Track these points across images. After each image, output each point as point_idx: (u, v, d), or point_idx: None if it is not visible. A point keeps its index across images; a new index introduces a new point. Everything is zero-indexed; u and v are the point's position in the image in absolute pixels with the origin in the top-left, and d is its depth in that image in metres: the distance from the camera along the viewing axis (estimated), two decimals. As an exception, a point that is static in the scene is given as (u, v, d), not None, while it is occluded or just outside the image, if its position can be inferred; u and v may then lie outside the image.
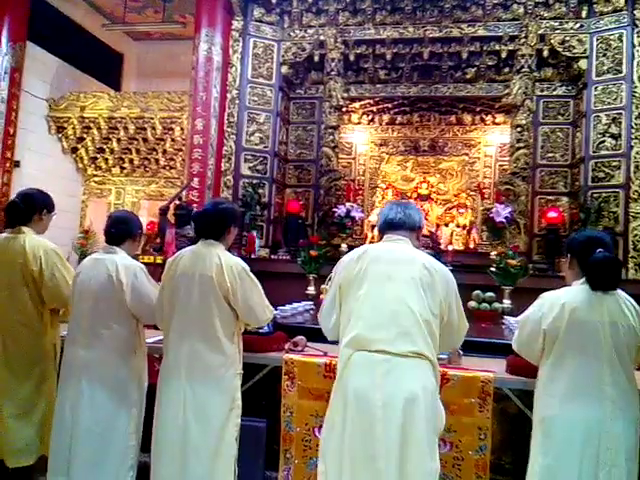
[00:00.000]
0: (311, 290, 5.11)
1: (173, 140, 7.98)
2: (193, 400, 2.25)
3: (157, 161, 8.35)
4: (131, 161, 8.46)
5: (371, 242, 7.20)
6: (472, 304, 4.31)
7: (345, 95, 6.70)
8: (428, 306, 1.97)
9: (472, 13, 6.13)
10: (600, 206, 5.42)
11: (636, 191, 5.36)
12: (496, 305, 4.28)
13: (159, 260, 5.18)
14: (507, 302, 4.48)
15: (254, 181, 6.49)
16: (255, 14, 6.54)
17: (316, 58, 6.63)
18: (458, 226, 7.00)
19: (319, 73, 6.83)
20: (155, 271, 3.12)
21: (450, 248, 6.24)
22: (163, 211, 5.30)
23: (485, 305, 4.26)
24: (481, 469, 2.62)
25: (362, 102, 7.18)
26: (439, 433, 1.99)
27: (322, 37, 6.51)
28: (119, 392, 2.46)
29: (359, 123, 7.58)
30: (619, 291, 2.14)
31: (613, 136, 5.56)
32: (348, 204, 6.37)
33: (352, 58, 6.59)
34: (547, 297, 2.19)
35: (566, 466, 2.07)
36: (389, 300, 1.97)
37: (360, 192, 7.53)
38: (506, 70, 6.23)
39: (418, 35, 6.27)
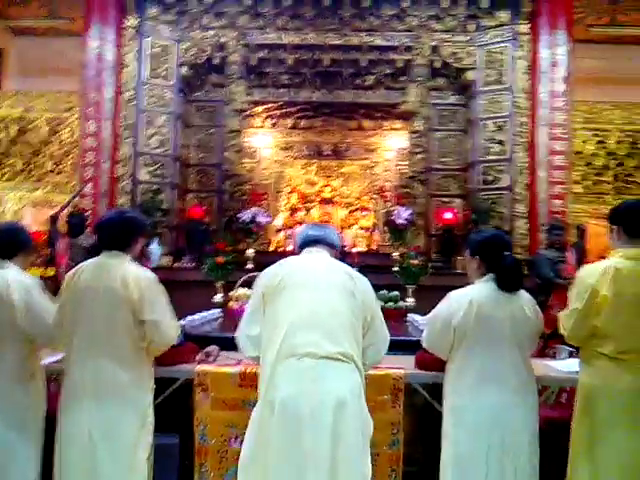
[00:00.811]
0: (218, 298, 4.97)
1: (61, 142, 7.43)
2: (101, 421, 2.09)
3: (43, 165, 7.72)
4: (12, 165, 7.75)
5: (277, 247, 7.21)
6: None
7: (248, 99, 6.65)
8: (352, 311, 1.98)
9: (370, 23, 6.35)
10: (490, 207, 5.83)
11: (520, 193, 5.84)
12: (401, 303, 4.44)
13: (50, 272, 4.78)
14: (411, 300, 4.67)
15: (154, 186, 6.22)
16: (150, 12, 6.28)
17: (217, 60, 6.52)
18: (361, 228, 7.20)
19: (220, 76, 6.71)
20: (46, 285, 2.85)
21: (355, 250, 6.38)
22: (53, 219, 4.91)
23: (390, 304, 4.39)
24: (395, 463, 2.70)
25: (265, 106, 7.17)
26: (369, 437, 1.99)
27: (222, 39, 6.41)
28: (17, 421, 2.23)
29: (262, 127, 7.55)
30: (522, 290, 2.31)
31: (499, 142, 6.02)
32: (253, 209, 6.31)
33: (254, 62, 6.55)
34: (455, 295, 2.30)
35: (475, 453, 2.18)
36: (313, 304, 1.96)
37: (265, 196, 7.49)
38: (403, 78, 6.53)
39: (319, 42, 6.38)
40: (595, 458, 2.30)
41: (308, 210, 7.60)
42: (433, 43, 6.25)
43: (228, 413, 2.61)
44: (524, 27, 5.96)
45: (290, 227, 7.35)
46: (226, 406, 2.63)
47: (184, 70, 6.45)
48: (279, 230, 7.48)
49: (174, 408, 2.79)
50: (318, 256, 2.11)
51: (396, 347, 3.43)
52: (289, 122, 7.57)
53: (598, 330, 2.31)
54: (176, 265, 6.08)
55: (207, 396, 2.63)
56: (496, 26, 6.10)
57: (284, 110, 7.36)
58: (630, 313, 2.26)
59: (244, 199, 6.63)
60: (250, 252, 5.85)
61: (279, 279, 2.02)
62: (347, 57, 6.50)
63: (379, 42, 6.37)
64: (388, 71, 6.59)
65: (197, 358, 2.78)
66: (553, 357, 3.17)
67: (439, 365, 2.47)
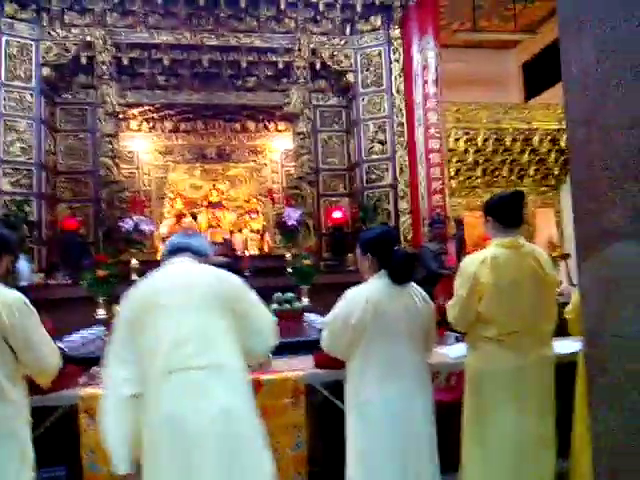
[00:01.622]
0: (102, 314, 4.62)
1: None
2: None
3: None
4: None
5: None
6: (273, 306, 4.38)
7: (121, 101, 6.26)
8: (222, 313, 1.90)
9: (247, 24, 6.28)
10: (375, 204, 6.04)
11: (402, 190, 6.11)
12: (296, 304, 4.43)
13: None
14: (306, 300, 4.68)
15: (18, 197, 5.64)
16: (7, 10, 5.69)
17: (83, 60, 6.06)
18: (252, 231, 7.10)
19: (89, 76, 6.25)
20: None
21: (247, 254, 6.28)
22: None
23: (286, 305, 4.37)
24: (300, 465, 2.70)
25: (141, 108, 6.80)
26: (263, 436, 1.94)
27: (89, 38, 5.97)
28: None
29: (139, 130, 7.16)
30: (410, 283, 2.38)
31: (381, 142, 6.25)
32: (135, 217, 5.96)
33: (126, 62, 6.19)
34: (351, 295, 2.31)
35: (380, 448, 2.21)
36: (184, 318, 1.86)
37: (147, 203, 7.11)
38: (284, 80, 6.53)
39: (195, 42, 6.18)
40: (484, 437, 2.44)
41: (195, 216, 7.34)
42: (312, 45, 6.32)
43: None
44: (396, 32, 6.24)
45: (177, 234, 7.05)
46: None
47: (46, 71, 5.92)
48: (165, 238, 7.13)
49: (58, 438, 2.54)
50: (181, 266, 2.00)
51: (295, 348, 3.44)
52: (168, 125, 7.26)
53: (481, 315, 2.45)
54: (51, 282, 5.56)
55: (94, 421, 2.42)
56: (371, 30, 6.32)
57: (162, 113, 7.04)
58: (508, 298, 2.42)
59: (124, 207, 6.23)
60: (134, 262, 5.52)
61: (144, 300, 1.90)
62: (226, 58, 6.36)
63: (258, 44, 6.32)
64: (269, 73, 6.56)
65: (81, 382, 2.55)
66: (442, 343, 3.34)
67: (337, 362, 2.48)
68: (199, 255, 2.07)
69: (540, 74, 9.05)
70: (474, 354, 2.54)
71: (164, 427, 1.73)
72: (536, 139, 7.83)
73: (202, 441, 1.71)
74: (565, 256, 3.54)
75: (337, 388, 2.79)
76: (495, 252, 2.47)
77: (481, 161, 7.93)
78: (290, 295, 4.44)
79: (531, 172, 8.20)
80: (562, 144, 7.96)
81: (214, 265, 2.07)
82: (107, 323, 4.27)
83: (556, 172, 8.31)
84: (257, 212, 7.40)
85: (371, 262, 2.37)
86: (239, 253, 6.36)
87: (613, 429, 1.19)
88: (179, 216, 7.29)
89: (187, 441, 1.71)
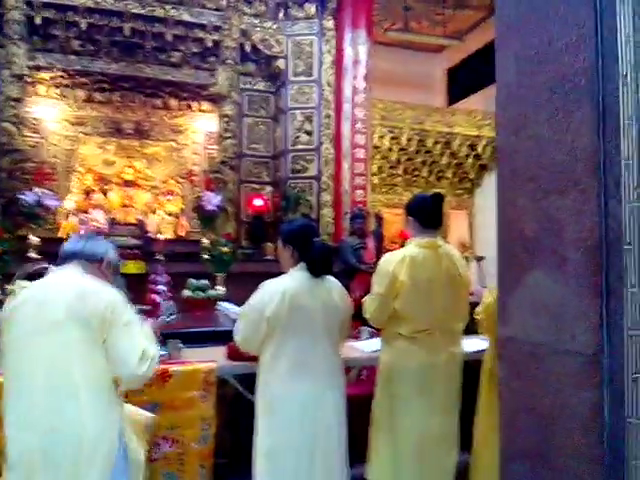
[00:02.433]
0: (-6, 293, 4.22)
1: None
2: None
3: None
4: None
5: (67, 233, 6.39)
6: (186, 292, 4.23)
7: (30, 63, 5.74)
8: (83, 343, 1.74)
9: (176, -5, 5.97)
10: (298, 195, 5.98)
11: (326, 182, 6.10)
12: (210, 292, 4.29)
13: None
14: (221, 288, 4.54)
15: None
16: None
17: (-8, 16, 5.48)
18: (168, 214, 6.79)
19: (-4, 35, 5.67)
20: None
21: (160, 237, 6.01)
22: None
23: (199, 292, 4.22)
24: (205, 458, 2.62)
25: (52, 73, 6.27)
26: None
27: (-1, -8, 5.41)
28: None
29: (48, 97, 6.60)
30: (329, 276, 2.36)
31: (307, 132, 6.19)
32: (38, 190, 5.50)
33: (39, 22, 5.67)
34: (268, 286, 2.25)
35: (288, 442, 2.18)
36: (33, 347, 1.72)
37: (53, 176, 6.59)
38: (212, 59, 6.28)
39: (118, 8, 5.78)
40: (394, 429, 2.48)
41: (105, 193, 6.91)
42: (243, 26, 6.12)
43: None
44: (329, 23, 6.19)
45: (84, 211, 6.59)
46: None
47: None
48: (70, 214, 6.65)
49: None
50: (57, 279, 1.84)
51: (207, 338, 3.32)
52: (82, 94, 6.75)
53: (397, 313, 2.48)
54: None
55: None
56: (304, 18, 6.23)
57: (75, 80, 6.53)
58: (423, 296, 2.47)
59: (26, 178, 5.74)
60: (34, 239, 5.10)
61: (7, 320, 1.76)
62: (150, 29, 6.01)
63: (186, 17, 6.03)
64: (196, 50, 6.28)
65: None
66: (356, 338, 3.36)
67: (252, 355, 2.42)
68: (91, 261, 1.92)
69: (463, 80, 9.40)
70: (388, 350, 2.57)
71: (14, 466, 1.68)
72: (456, 143, 8.13)
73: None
74: (479, 258, 3.70)
75: (250, 380, 2.73)
76: (413, 251, 2.50)
77: (403, 160, 8.12)
78: (204, 282, 4.30)
79: (449, 174, 8.53)
80: (479, 150, 8.34)
81: None
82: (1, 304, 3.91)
83: (472, 176, 8.71)
84: (174, 194, 7.09)
85: (291, 254, 2.33)
86: (152, 235, 6.07)
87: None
88: (88, 192, 6.82)
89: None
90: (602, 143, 1.08)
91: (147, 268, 5.14)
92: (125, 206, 6.77)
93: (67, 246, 1.96)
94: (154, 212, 6.76)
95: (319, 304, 2.25)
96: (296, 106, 6.26)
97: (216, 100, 6.46)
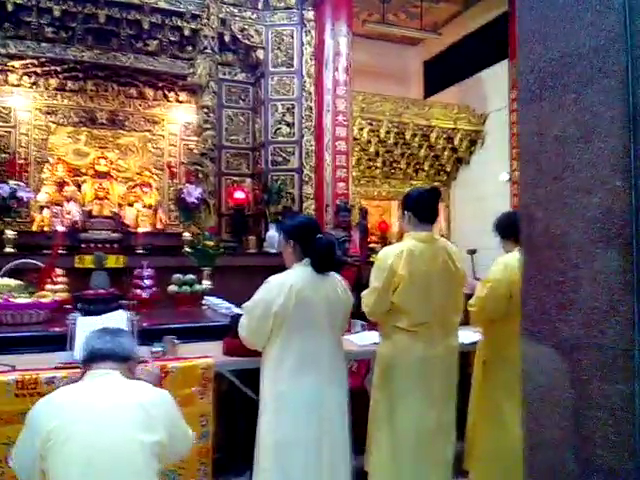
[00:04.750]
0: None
1: None
2: None
3: None
4: None
5: (40, 226, 6.21)
6: (173, 288, 4.16)
7: (2, 51, 5.53)
8: (150, 457, 1.61)
9: (152, -18, 5.82)
10: (280, 187, 5.94)
11: (307, 174, 6.08)
12: (197, 287, 4.24)
13: None
14: (207, 283, 4.49)
15: None
16: None
17: (-43, -1, 5.25)
18: (144, 206, 6.66)
19: (-38, 20, 5.43)
20: None
21: (140, 230, 5.89)
22: None
23: (186, 288, 4.17)
24: (204, 455, 2.61)
25: (23, 61, 6.05)
26: None
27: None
28: None
29: (19, 85, 6.37)
30: (331, 272, 2.37)
31: (288, 124, 6.14)
32: (12, 182, 5.32)
33: (10, 8, 5.45)
34: (273, 282, 2.25)
35: (296, 437, 2.19)
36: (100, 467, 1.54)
37: (25, 168, 6.38)
38: (190, 49, 6.17)
39: (92, -6, 5.61)
40: (394, 421, 2.51)
41: (79, 185, 6.72)
42: (222, 15, 6.02)
43: (3, 428, 2.18)
44: (310, 14, 6.14)
45: (57, 204, 6.40)
46: (1, 420, 2.20)
47: None
48: (43, 207, 6.46)
49: None
50: (103, 387, 1.70)
51: (196, 333, 3.29)
52: (53, 82, 6.54)
53: (395, 306, 2.51)
54: None
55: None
56: (284, 8, 6.16)
57: (47, 68, 6.32)
58: (421, 290, 2.50)
59: (-1, 170, 5.55)
60: (10, 233, 4.94)
61: (50, 435, 1.56)
62: (126, 16, 5.85)
63: (163, 5, 5.89)
64: (173, 38, 6.15)
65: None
66: (348, 331, 3.38)
67: (249, 350, 2.42)
68: (124, 361, 1.80)
69: (439, 74, 9.49)
70: (386, 343, 2.59)
71: None
72: (433, 136, 8.21)
73: None
74: (472, 251, 3.76)
75: (246, 376, 2.72)
76: (411, 245, 2.53)
77: (382, 152, 8.16)
78: (190, 277, 4.24)
79: (426, 167, 8.61)
80: (456, 143, 8.45)
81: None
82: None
83: (448, 169, 8.82)
84: (150, 186, 6.95)
85: (294, 250, 2.33)
86: (131, 229, 5.95)
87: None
88: (61, 184, 6.62)
89: None
90: (632, 143, 1.11)
91: (127, 262, 5.04)
92: (99, 198, 6.60)
93: (96, 344, 1.81)
94: (131, 205, 6.62)
95: (324, 299, 2.26)
96: (276, 97, 6.20)
97: (194, 90, 6.35)
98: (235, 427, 2.99)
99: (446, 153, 8.56)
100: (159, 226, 6.56)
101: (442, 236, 2.98)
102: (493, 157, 8.17)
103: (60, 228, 5.89)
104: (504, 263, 2.69)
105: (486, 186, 8.09)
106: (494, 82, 8.05)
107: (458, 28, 8.94)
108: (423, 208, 2.61)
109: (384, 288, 2.49)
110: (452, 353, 2.59)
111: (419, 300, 2.50)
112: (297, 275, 2.25)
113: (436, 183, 8.24)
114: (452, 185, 9.07)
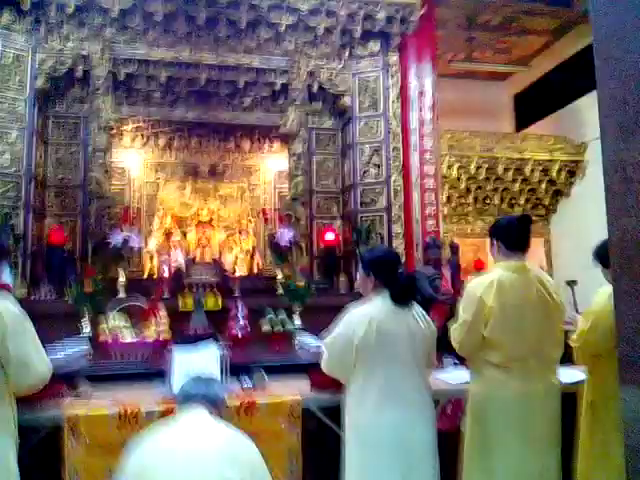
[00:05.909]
0: (87, 331, 4.47)
1: None
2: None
3: None
4: None
5: (150, 273, 6.71)
6: (266, 327, 4.29)
7: (115, 116, 6.19)
8: None
9: (246, 44, 6.29)
10: (369, 227, 5.99)
11: (396, 214, 6.08)
12: (289, 326, 4.33)
13: None
14: (297, 321, 4.58)
15: (5, 210, 5.49)
16: (3, 20, 5.64)
17: (79, 73, 6.00)
18: (242, 251, 6.99)
19: (83, 89, 6.18)
20: None
21: (238, 274, 6.17)
22: None
23: (279, 327, 4.27)
24: (293, 492, 2.59)
25: (135, 124, 6.74)
26: None
27: (85, 52, 5.91)
28: None
29: (132, 147, 7.09)
30: (414, 303, 2.33)
31: (375, 165, 6.24)
32: (124, 233, 5.83)
33: (122, 77, 6.14)
34: (354, 315, 2.25)
35: (380, 471, 2.12)
36: None
37: (136, 219, 6.99)
38: (281, 101, 6.53)
39: (194, 60, 6.17)
40: (489, 465, 2.35)
41: (185, 234, 7.23)
42: (309, 68, 6.34)
43: (106, 458, 2.32)
44: (394, 58, 6.30)
45: (166, 252, 6.91)
46: (102, 450, 2.34)
47: (40, 82, 5.83)
48: (152, 256, 6.99)
49: (42, 459, 2.40)
50: (193, 427, 1.78)
51: (285, 369, 3.35)
52: (162, 141, 7.20)
53: (486, 340, 2.39)
54: (34, 297, 5.38)
55: (80, 442, 2.30)
56: (368, 55, 6.37)
57: (156, 129, 6.99)
58: (514, 322, 2.37)
59: (112, 223, 6.10)
60: (122, 280, 5.38)
61: (141, 470, 1.67)
62: (223, 77, 6.35)
63: (256, 64, 6.33)
64: (265, 93, 6.56)
65: (66, 401, 2.42)
66: (439, 369, 3.26)
67: (337, 384, 2.41)
68: (213, 404, 1.93)
69: (531, 106, 9.22)
70: (478, 380, 2.47)
71: None
72: (528, 169, 7.91)
73: None
74: (572, 282, 3.50)
75: (333, 412, 2.69)
76: (501, 275, 2.43)
77: (473, 188, 7.98)
78: (283, 317, 4.36)
79: (521, 201, 8.26)
80: (553, 175, 8.06)
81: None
82: (94, 339, 4.13)
83: (546, 202, 8.39)
84: (247, 232, 7.31)
85: (374, 282, 2.33)
86: (230, 274, 6.24)
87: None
88: (168, 234, 7.16)
89: None
90: None
91: (224, 303, 5.27)
92: (202, 246, 7.03)
93: (189, 388, 1.98)
94: (230, 250, 6.98)
95: (405, 332, 2.22)
96: (363, 141, 6.34)
97: (285, 139, 6.67)
98: (323, 463, 2.95)
99: (543, 186, 8.18)
100: (255, 270, 6.82)
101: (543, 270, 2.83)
102: (596, 187, 7.65)
103: (166, 274, 6.31)
104: (608, 292, 2.49)
105: (589, 218, 7.57)
106: (592, 110, 7.64)
107: (548, 59, 8.69)
108: (513, 236, 2.51)
109: (474, 321, 2.40)
110: (553, 391, 2.41)
111: (512, 334, 2.37)
112: (377, 307, 2.24)
113: (534, 218, 7.84)
114: (552, 219, 8.59)
